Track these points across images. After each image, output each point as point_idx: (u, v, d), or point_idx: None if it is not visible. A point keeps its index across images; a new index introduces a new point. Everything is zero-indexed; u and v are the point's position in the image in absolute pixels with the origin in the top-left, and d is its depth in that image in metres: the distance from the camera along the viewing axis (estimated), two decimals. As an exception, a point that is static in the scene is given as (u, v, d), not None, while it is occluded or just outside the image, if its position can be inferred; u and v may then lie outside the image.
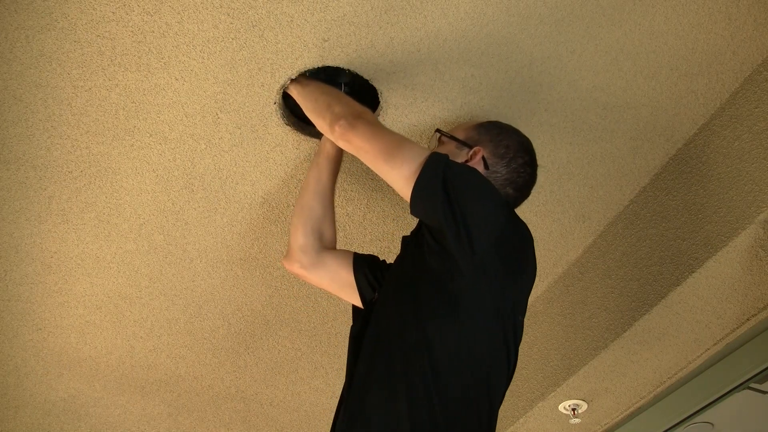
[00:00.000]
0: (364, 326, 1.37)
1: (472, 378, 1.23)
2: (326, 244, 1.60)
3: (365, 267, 1.57)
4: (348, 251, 1.62)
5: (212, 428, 2.72)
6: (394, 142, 1.35)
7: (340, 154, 1.63)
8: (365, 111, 1.45)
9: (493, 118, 1.69)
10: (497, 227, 1.31)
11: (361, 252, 1.64)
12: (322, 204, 1.60)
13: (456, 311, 1.25)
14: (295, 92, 1.54)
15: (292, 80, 1.55)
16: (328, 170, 1.61)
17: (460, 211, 1.25)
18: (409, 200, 1.29)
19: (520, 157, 1.45)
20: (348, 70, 1.54)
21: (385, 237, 1.97)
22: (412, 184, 1.27)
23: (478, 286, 1.26)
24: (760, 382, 2.04)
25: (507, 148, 1.45)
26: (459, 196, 1.26)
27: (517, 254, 1.36)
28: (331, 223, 1.62)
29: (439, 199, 1.25)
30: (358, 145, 1.37)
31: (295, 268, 1.59)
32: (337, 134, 1.39)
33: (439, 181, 1.26)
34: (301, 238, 1.58)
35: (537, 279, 2.17)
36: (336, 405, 1.37)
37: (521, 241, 1.38)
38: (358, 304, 1.56)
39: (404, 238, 1.48)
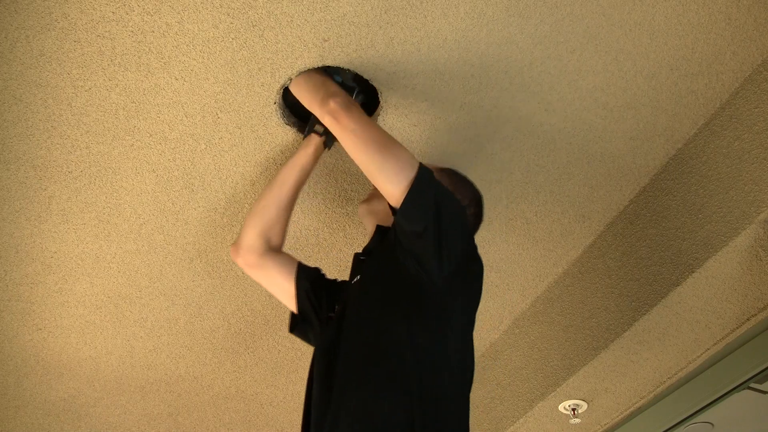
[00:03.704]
0: (337, 335, 1.37)
1: (452, 379, 1.28)
2: (272, 248, 1.65)
3: (307, 283, 1.62)
4: (293, 259, 1.66)
5: (212, 428, 2.72)
6: (387, 137, 1.40)
7: (310, 167, 1.64)
8: (357, 103, 1.50)
9: (493, 119, 1.70)
10: (470, 248, 1.43)
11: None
12: (277, 209, 1.63)
13: (435, 316, 1.31)
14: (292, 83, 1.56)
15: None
16: (294, 178, 1.62)
17: (443, 227, 1.33)
18: (389, 195, 1.34)
19: (473, 207, 1.59)
20: (348, 70, 1.54)
21: (385, 237, 1.97)
22: (406, 188, 1.32)
23: (453, 295, 1.34)
24: (760, 382, 2.04)
25: (463, 196, 1.56)
26: (445, 212, 1.35)
27: (478, 273, 1.45)
28: (281, 229, 1.66)
29: (430, 210, 1.32)
30: (348, 126, 1.39)
31: (239, 262, 1.66)
32: (330, 108, 1.42)
33: (432, 194, 1.34)
34: (250, 236, 1.63)
35: (537, 279, 2.19)
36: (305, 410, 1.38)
37: (479, 266, 1.47)
38: (293, 309, 1.63)
39: (358, 255, 1.55)
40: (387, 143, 1.38)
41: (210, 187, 1.78)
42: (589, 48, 1.54)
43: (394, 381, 1.23)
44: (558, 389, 2.17)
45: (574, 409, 2.28)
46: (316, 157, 1.61)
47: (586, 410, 2.30)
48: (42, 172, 1.68)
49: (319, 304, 1.59)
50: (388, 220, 1.56)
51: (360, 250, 1.58)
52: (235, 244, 1.66)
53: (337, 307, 1.49)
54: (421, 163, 1.36)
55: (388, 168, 1.34)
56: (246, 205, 1.84)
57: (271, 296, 2.12)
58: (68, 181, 1.71)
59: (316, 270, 1.67)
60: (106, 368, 2.33)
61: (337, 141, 1.58)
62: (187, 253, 1.96)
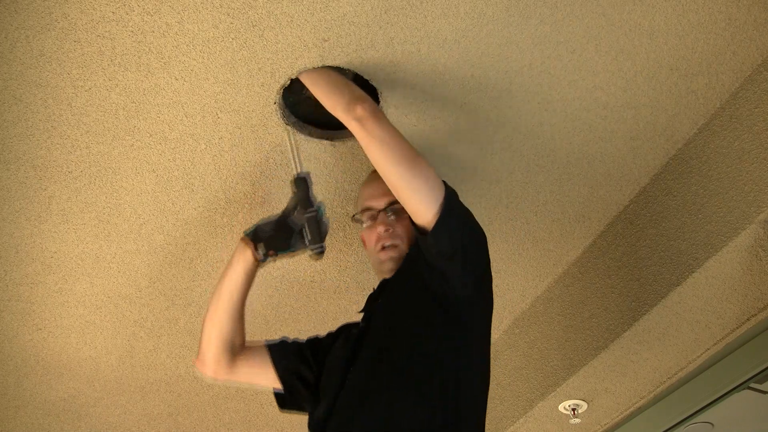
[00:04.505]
0: (359, 347, 1.40)
1: (474, 385, 1.34)
2: (236, 351, 1.63)
3: (284, 360, 1.61)
4: (259, 347, 1.65)
5: (212, 428, 2.72)
6: (414, 151, 1.38)
7: (254, 271, 1.60)
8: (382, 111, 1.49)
9: (493, 119, 1.70)
10: (488, 262, 1.46)
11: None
12: (233, 320, 1.61)
13: (460, 328, 1.34)
14: (304, 74, 1.53)
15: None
16: (241, 287, 1.60)
17: (470, 248, 1.37)
18: (417, 215, 1.34)
19: None
20: (348, 70, 1.54)
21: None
22: (437, 212, 1.32)
23: (475, 307, 1.39)
24: (760, 382, 2.04)
25: None
26: (471, 233, 1.40)
27: (491, 285, 1.47)
28: (240, 332, 1.64)
29: (459, 233, 1.35)
30: (377, 135, 1.36)
31: (208, 375, 1.63)
32: (357, 114, 1.37)
33: (460, 216, 1.38)
34: (213, 352, 1.60)
35: (537, 279, 2.19)
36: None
37: (491, 279, 1.50)
38: (279, 388, 1.61)
39: (386, 280, 1.53)
40: (415, 158, 1.36)
41: (210, 187, 1.78)
42: (589, 48, 1.54)
43: (419, 387, 1.27)
44: (558, 389, 2.17)
45: (574, 409, 2.28)
46: (256, 263, 1.58)
47: (586, 410, 2.30)
48: (42, 172, 1.68)
49: (307, 367, 1.58)
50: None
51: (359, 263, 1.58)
52: (200, 360, 1.62)
53: (361, 324, 1.48)
54: (444, 182, 1.37)
55: (419, 188, 1.33)
56: (246, 205, 1.84)
57: (271, 296, 2.12)
58: (68, 181, 1.71)
59: (283, 342, 1.67)
60: (106, 368, 2.33)
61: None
62: (187, 253, 1.96)
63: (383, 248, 1.51)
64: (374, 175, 1.55)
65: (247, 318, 2.19)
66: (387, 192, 1.48)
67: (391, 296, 1.44)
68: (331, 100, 1.44)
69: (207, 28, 1.41)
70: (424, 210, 1.33)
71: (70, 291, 2.02)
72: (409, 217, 1.40)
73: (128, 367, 2.34)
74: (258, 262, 1.58)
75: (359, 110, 1.38)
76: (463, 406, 1.30)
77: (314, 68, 1.52)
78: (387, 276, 1.52)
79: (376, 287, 1.57)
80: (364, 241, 1.61)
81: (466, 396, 1.31)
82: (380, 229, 1.52)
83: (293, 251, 1.56)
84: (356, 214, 1.61)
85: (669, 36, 1.54)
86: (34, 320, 2.09)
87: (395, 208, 1.51)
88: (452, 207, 1.35)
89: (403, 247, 1.51)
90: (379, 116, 1.40)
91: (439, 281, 1.35)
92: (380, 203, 1.54)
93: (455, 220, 1.35)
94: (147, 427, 2.67)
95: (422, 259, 1.37)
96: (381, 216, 1.53)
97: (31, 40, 1.40)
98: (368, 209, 1.55)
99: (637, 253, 1.92)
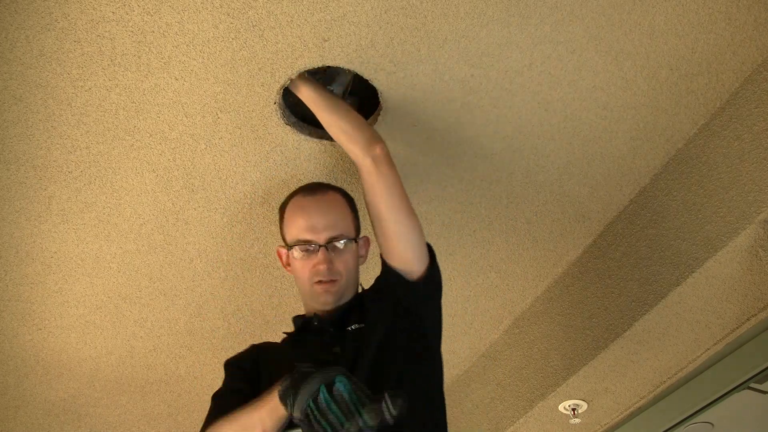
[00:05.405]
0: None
1: (443, 404, 1.49)
2: None
3: None
4: None
5: (212, 428, 2.72)
6: (409, 201, 1.51)
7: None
8: None
9: (493, 119, 1.70)
10: None
11: None
12: None
13: (435, 357, 1.50)
14: (308, 92, 1.53)
15: (300, 81, 1.54)
16: None
17: (441, 291, 1.56)
18: (407, 262, 1.47)
19: None
20: (348, 70, 1.54)
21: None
22: (428, 265, 1.49)
23: (438, 338, 1.53)
24: (760, 382, 2.04)
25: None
26: (441, 278, 1.56)
27: None
28: None
29: (439, 281, 1.54)
30: (389, 178, 1.46)
31: None
32: (375, 153, 1.46)
33: (438, 265, 1.54)
34: None
35: (537, 279, 2.19)
36: None
37: None
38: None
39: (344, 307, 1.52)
40: (412, 211, 1.48)
41: (210, 187, 1.78)
42: (589, 48, 1.54)
43: (418, 405, 1.32)
44: (558, 389, 2.17)
45: (574, 409, 2.28)
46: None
47: (586, 410, 2.30)
48: (42, 172, 1.68)
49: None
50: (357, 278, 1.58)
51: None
52: None
53: (336, 349, 1.42)
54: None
55: (414, 241, 1.47)
56: (246, 205, 1.84)
57: (271, 296, 2.12)
58: (68, 181, 1.71)
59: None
60: (106, 368, 2.33)
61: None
62: (187, 253, 1.96)
63: (320, 282, 1.46)
64: (304, 204, 1.52)
65: (247, 318, 2.20)
66: (328, 226, 1.47)
67: (367, 323, 1.45)
68: (347, 131, 1.51)
69: (207, 28, 1.41)
70: (415, 262, 1.47)
71: (70, 291, 2.02)
72: (358, 252, 1.53)
73: (128, 367, 2.34)
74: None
75: (378, 150, 1.47)
76: (444, 421, 1.44)
77: (316, 90, 1.54)
78: (323, 308, 1.49)
79: (317, 315, 1.50)
80: (281, 260, 1.56)
81: (443, 412, 1.46)
82: (321, 267, 1.46)
83: None
84: (292, 244, 1.50)
85: (669, 36, 1.54)
86: (34, 320, 2.09)
87: (335, 245, 1.47)
88: (435, 260, 1.52)
89: (342, 280, 1.48)
90: (392, 162, 1.49)
91: (417, 319, 1.47)
92: (321, 238, 1.47)
93: (437, 270, 1.52)
94: (147, 427, 2.67)
95: (396, 293, 1.47)
96: (321, 251, 1.46)
97: (31, 40, 1.40)
98: (307, 242, 1.47)
99: (637, 253, 1.92)
